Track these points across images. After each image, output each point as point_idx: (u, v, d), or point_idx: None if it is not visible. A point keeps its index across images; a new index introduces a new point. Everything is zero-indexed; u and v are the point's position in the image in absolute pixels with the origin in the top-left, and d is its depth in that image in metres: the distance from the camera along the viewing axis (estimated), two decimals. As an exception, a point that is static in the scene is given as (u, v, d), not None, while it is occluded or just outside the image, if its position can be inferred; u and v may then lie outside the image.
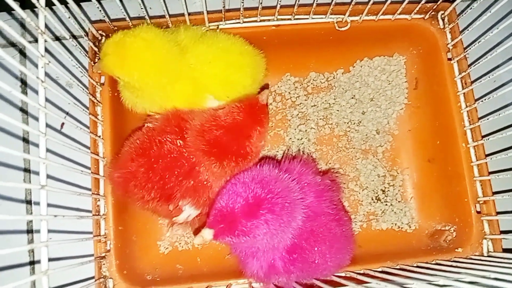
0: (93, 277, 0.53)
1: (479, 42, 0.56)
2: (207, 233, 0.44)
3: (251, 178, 0.46)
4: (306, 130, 0.67)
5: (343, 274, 0.54)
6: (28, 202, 0.63)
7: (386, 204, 0.66)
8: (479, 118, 0.59)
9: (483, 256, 0.56)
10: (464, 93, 0.60)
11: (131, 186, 0.50)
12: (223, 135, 0.50)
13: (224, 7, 0.57)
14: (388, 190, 0.66)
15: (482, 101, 0.57)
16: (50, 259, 0.40)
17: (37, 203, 0.61)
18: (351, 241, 0.56)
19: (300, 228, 0.49)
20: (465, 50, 0.59)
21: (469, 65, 0.59)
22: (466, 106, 0.59)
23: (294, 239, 0.49)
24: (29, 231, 0.63)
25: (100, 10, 0.54)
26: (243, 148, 0.50)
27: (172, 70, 0.52)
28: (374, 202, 0.66)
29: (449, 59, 0.61)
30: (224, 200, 0.45)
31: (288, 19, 0.60)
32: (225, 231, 0.44)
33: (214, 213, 0.45)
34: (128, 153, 0.52)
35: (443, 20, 0.62)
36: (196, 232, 0.45)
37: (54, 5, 0.47)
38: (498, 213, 0.57)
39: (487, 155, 0.58)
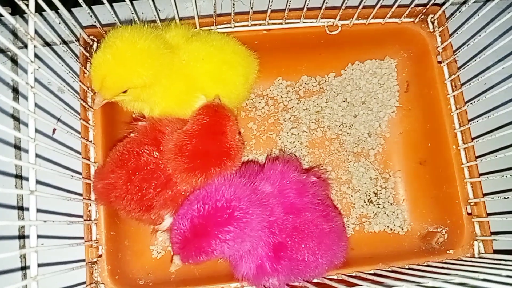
0: (84, 283, 0.53)
1: (468, 45, 0.56)
2: (176, 259, 0.46)
3: (194, 196, 0.48)
4: (298, 134, 0.67)
5: (334, 277, 0.54)
6: (20, 208, 0.63)
7: (379, 207, 0.66)
8: (469, 120, 0.59)
9: (474, 257, 0.56)
10: (454, 96, 0.60)
11: (112, 197, 0.51)
12: (200, 142, 0.50)
13: (215, 11, 0.57)
14: (380, 193, 0.67)
15: (472, 103, 0.57)
16: (42, 265, 0.40)
17: (28, 209, 0.61)
18: (342, 237, 0.56)
19: (282, 226, 0.50)
20: (455, 53, 0.60)
21: (459, 68, 0.60)
22: (456, 109, 0.60)
23: (277, 237, 0.49)
24: (21, 237, 0.63)
25: (91, 16, 0.54)
26: (223, 145, 0.51)
27: (166, 66, 0.52)
28: (366, 204, 0.66)
29: (439, 62, 0.62)
30: (175, 226, 0.46)
31: (279, 23, 0.61)
32: (187, 255, 0.45)
33: (172, 240, 0.47)
34: (109, 164, 0.52)
35: (432, 23, 0.62)
36: (171, 260, 0.48)
37: (45, 10, 0.47)
38: (488, 214, 0.57)
39: (477, 157, 0.58)
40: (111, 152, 0.53)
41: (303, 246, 0.50)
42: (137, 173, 0.50)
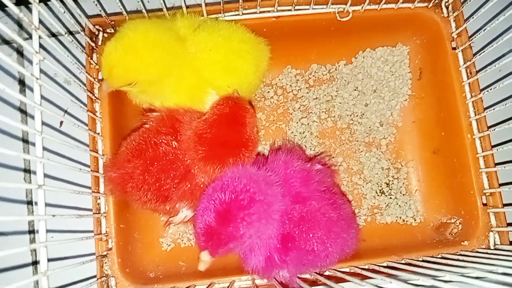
0: (95, 276, 0.53)
1: (484, 30, 0.55)
2: (204, 255, 0.45)
3: (212, 188, 0.47)
4: (308, 124, 0.66)
5: (347, 269, 0.53)
6: (29, 202, 0.63)
7: (391, 197, 0.65)
8: (485, 109, 0.57)
9: (489, 249, 0.55)
10: (469, 83, 0.59)
11: (128, 187, 0.50)
12: (219, 132, 0.49)
13: (222, -1, 0.55)
14: (392, 183, 0.65)
15: (487, 91, 0.55)
16: (52, 259, 0.40)
17: (37, 203, 0.61)
18: (352, 224, 0.55)
19: (290, 216, 0.49)
20: (470, 39, 0.58)
21: (474, 54, 0.58)
22: (471, 96, 0.58)
23: (285, 228, 0.48)
24: (31, 232, 0.62)
25: (96, 5, 0.53)
26: (242, 136, 0.50)
27: (177, 59, 0.51)
28: (378, 195, 0.65)
29: (454, 48, 0.60)
30: (199, 219, 0.46)
31: (288, 10, 0.59)
32: (216, 245, 0.44)
33: (197, 236, 0.46)
34: (125, 153, 0.51)
35: (447, 8, 0.60)
36: (197, 259, 0.46)
37: (49, 0, 0.46)
38: (504, 205, 0.56)
39: (493, 146, 0.57)
40: (126, 142, 0.52)
41: (311, 235, 0.49)
42: (155, 163, 0.49)
